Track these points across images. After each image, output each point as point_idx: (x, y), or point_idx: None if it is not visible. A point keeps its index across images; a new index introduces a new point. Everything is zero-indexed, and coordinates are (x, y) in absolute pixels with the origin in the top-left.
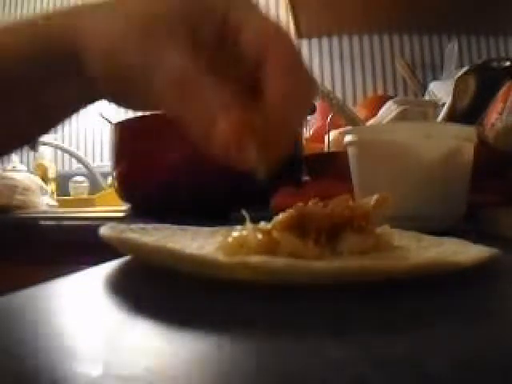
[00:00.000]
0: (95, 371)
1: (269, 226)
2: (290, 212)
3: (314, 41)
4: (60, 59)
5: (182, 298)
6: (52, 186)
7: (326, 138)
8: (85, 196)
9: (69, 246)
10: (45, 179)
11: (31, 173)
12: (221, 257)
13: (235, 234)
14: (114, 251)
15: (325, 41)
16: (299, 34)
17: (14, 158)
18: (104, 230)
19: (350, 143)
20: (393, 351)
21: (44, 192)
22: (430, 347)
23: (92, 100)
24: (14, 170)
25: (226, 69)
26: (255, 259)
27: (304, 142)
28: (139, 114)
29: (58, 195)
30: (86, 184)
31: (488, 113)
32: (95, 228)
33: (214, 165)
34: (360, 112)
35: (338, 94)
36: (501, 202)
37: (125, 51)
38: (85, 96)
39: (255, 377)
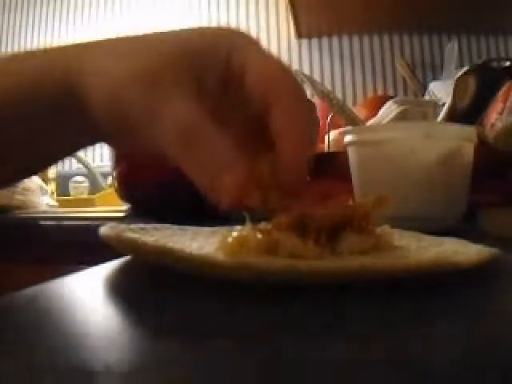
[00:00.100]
0: (96, 370)
1: (269, 225)
2: (290, 212)
3: (314, 41)
4: (60, 101)
5: (181, 298)
6: (52, 186)
7: (326, 137)
8: (85, 196)
9: (69, 246)
10: (45, 179)
11: None
12: (221, 257)
13: (235, 233)
14: (114, 251)
15: (325, 41)
16: (299, 34)
17: None
18: (104, 230)
19: (350, 143)
20: (393, 351)
21: (44, 192)
22: (430, 347)
23: (92, 142)
24: None
25: (232, 111)
26: (255, 259)
27: None
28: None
29: (58, 195)
30: (86, 184)
31: (488, 113)
32: (95, 228)
33: None
34: (360, 112)
35: (338, 94)
36: (501, 202)
37: (129, 97)
38: (85, 137)
39: (255, 377)
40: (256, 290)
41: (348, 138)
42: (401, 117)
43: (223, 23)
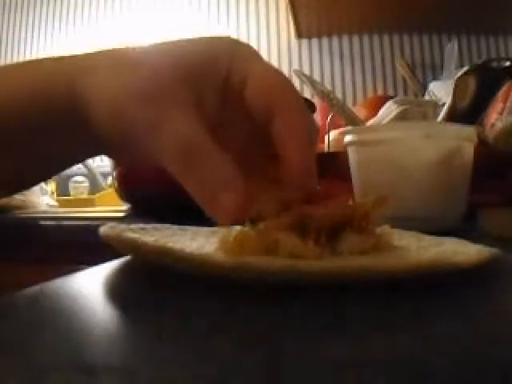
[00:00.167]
0: (95, 368)
1: (269, 226)
2: (290, 212)
3: (314, 41)
4: (63, 115)
5: (181, 298)
6: (52, 186)
7: (326, 137)
8: (85, 196)
9: (69, 246)
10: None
11: None
12: (221, 257)
13: (235, 233)
14: (114, 251)
15: (325, 41)
16: (299, 34)
17: None
18: (104, 230)
19: (350, 143)
20: (393, 351)
21: (44, 192)
22: (430, 347)
23: (93, 154)
24: None
25: (231, 124)
26: (255, 259)
27: None
28: None
29: (58, 195)
30: (86, 184)
31: (488, 113)
32: (95, 228)
33: None
34: (360, 112)
35: (338, 94)
36: (501, 202)
37: (129, 112)
38: (86, 150)
39: (255, 377)
40: (256, 290)
41: (348, 138)
42: (401, 117)
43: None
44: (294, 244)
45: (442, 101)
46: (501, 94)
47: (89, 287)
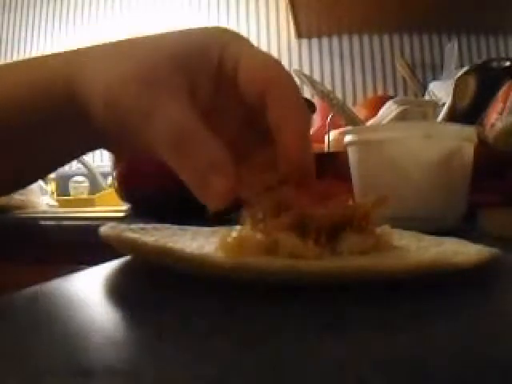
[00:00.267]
0: (95, 369)
1: (269, 225)
2: (289, 212)
3: (314, 41)
4: (62, 110)
5: (181, 298)
6: (52, 186)
7: (326, 137)
8: (85, 196)
9: (69, 246)
10: (45, 179)
11: None
12: (221, 257)
13: (235, 233)
14: (114, 251)
15: (325, 41)
16: (299, 34)
17: None
18: (104, 230)
19: (350, 143)
20: (393, 351)
21: (44, 192)
22: (429, 347)
23: (93, 148)
24: None
25: (225, 111)
26: (255, 259)
27: None
28: None
29: (58, 195)
30: (86, 184)
31: (488, 113)
32: (95, 228)
33: None
34: (360, 112)
35: (338, 94)
36: (501, 202)
37: (124, 100)
38: (86, 144)
39: (255, 377)
40: (256, 290)
41: (348, 138)
42: (401, 117)
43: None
44: (294, 244)
45: (442, 101)
46: (501, 94)
47: (89, 287)
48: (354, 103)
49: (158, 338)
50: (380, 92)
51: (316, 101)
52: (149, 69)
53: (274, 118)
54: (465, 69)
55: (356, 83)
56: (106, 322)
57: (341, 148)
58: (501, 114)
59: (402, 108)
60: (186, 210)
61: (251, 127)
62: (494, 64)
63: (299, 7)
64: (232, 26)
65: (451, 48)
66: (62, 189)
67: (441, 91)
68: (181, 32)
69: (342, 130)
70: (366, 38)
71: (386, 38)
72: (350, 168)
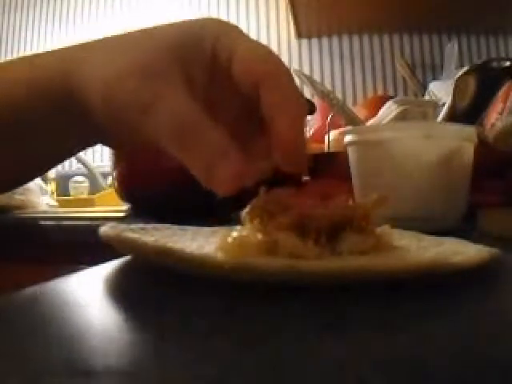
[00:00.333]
0: (95, 369)
1: (269, 226)
2: (289, 212)
3: (314, 41)
4: (61, 106)
5: (181, 298)
6: (52, 186)
7: (326, 137)
8: (85, 196)
9: (69, 246)
10: (45, 179)
11: None
12: (221, 257)
13: (235, 234)
14: (114, 251)
15: (325, 41)
16: (299, 34)
17: None
18: (104, 230)
19: (350, 143)
20: (393, 351)
21: (44, 192)
22: (429, 347)
23: (92, 143)
24: None
25: (221, 101)
26: (255, 259)
27: None
28: None
29: (58, 195)
30: (86, 184)
31: (488, 113)
32: (95, 228)
33: None
34: (360, 112)
35: (338, 94)
36: (501, 202)
37: (122, 94)
38: (85, 139)
39: (255, 377)
40: (256, 290)
41: (348, 138)
42: (401, 117)
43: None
44: (293, 244)
45: (442, 101)
46: (501, 94)
47: (89, 287)
48: (354, 103)
49: (158, 337)
50: (380, 92)
51: (316, 101)
52: (145, 62)
53: (267, 107)
54: (465, 69)
55: (356, 83)
56: (106, 322)
57: (341, 148)
58: (501, 114)
59: (402, 108)
60: (186, 210)
61: (247, 117)
62: (494, 64)
63: (299, 7)
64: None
65: (451, 48)
66: (62, 189)
67: (441, 91)
68: (175, 24)
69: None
70: (365, 38)
71: (386, 37)
72: (349, 168)
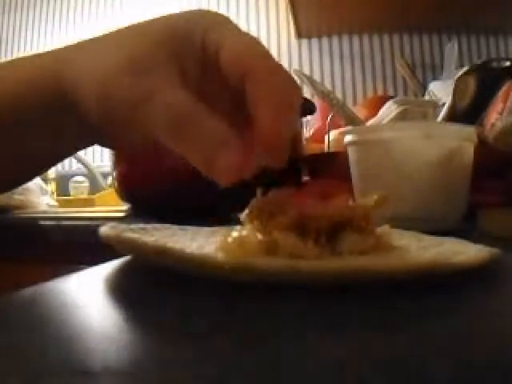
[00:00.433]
0: (95, 369)
1: (268, 226)
2: (289, 212)
3: (314, 41)
4: (54, 106)
5: (181, 298)
6: (52, 186)
7: (326, 137)
8: (85, 196)
9: (69, 246)
10: (45, 179)
11: None
12: (221, 257)
13: (235, 234)
14: (114, 251)
15: (325, 41)
16: (299, 34)
17: None
18: (104, 230)
19: (350, 143)
20: (393, 351)
21: (44, 192)
22: (430, 347)
23: (88, 144)
24: None
25: (214, 91)
26: (255, 259)
27: (304, 142)
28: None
29: (58, 195)
30: (86, 184)
31: (488, 113)
32: (95, 228)
33: None
34: (360, 112)
35: (338, 94)
36: (501, 202)
37: (116, 90)
38: (81, 139)
39: (255, 377)
40: (256, 290)
41: (348, 138)
42: (401, 117)
43: None
44: (293, 244)
45: (442, 101)
46: (501, 94)
47: (89, 287)
48: (354, 103)
49: (158, 338)
50: (380, 92)
51: (316, 101)
52: (137, 57)
53: (251, 101)
54: (465, 69)
55: (356, 83)
56: (106, 322)
57: (341, 148)
58: (501, 114)
59: (402, 108)
60: (186, 210)
61: (239, 109)
62: (494, 64)
63: (299, 7)
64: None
65: (451, 48)
66: (62, 189)
67: (441, 91)
68: (164, 18)
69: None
70: (365, 38)
71: (386, 37)
72: (350, 168)
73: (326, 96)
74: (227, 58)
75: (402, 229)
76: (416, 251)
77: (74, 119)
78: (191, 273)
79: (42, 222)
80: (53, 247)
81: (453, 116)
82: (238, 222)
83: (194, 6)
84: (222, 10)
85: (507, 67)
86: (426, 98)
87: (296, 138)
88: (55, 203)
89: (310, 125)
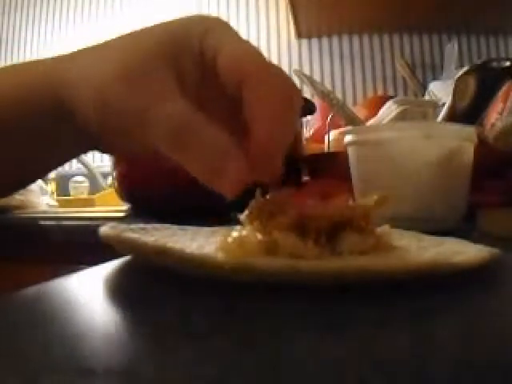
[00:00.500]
0: (95, 369)
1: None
2: (289, 212)
3: (314, 41)
4: (51, 116)
5: (181, 298)
6: (52, 186)
7: (326, 137)
8: (85, 196)
9: (69, 246)
10: (45, 179)
11: None
12: (221, 257)
13: (235, 234)
14: (114, 251)
15: (325, 41)
16: (299, 34)
17: None
18: (104, 230)
19: (350, 143)
20: (393, 351)
21: (44, 192)
22: (430, 347)
23: (86, 150)
24: None
25: (212, 96)
26: (255, 259)
27: (304, 142)
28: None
29: (58, 195)
30: (86, 184)
31: (488, 113)
32: (95, 228)
33: None
34: (360, 112)
35: (338, 94)
36: (501, 202)
37: (115, 100)
38: (79, 146)
39: (255, 377)
40: (256, 290)
41: (348, 138)
42: (401, 117)
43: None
44: (293, 244)
45: (442, 101)
46: (501, 94)
47: (89, 287)
48: (354, 103)
49: (158, 337)
50: (380, 92)
51: (316, 101)
52: (134, 65)
53: (247, 111)
54: (465, 69)
55: (356, 83)
56: (106, 322)
57: (341, 148)
58: (501, 114)
59: (401, 108)
60: (186, 210)
61: (235, 115)
62: (494, 64)
63: (299, 7)
64: (232, 25)
65: (451, 48)
66: (62, 189)
67: (441, 91)
68: (161, 24)
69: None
70: (365, 38)
71: (386, 37)
72: (350, 168)
73: (326, 96)
74: (224, 64)
75: (402, 229)
76: (416, 251)
77: (71, 127)
78: (191, 273)
79: (42, 222)
80: (53, 247)
81: (453, 116)
82: (238, 222)
83: (194, 6)
84: (222, 10)
85: (507, 67)
86: (426, 97)
87: (296, 137)
88: (55, 203)
89: (309, 125)
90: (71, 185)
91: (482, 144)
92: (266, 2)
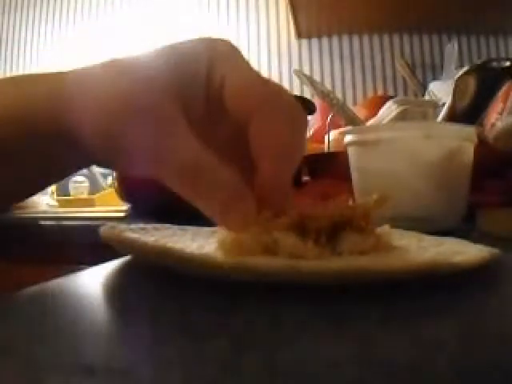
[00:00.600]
0: (95, 369)
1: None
2: (289, 212)
3: (314, 41)
4: (50, 137)
5: (181, 298)
6: (52, 186)
7: (326, 138)
8: (85, 196)
9: (69, 246)
10: None
11: None
12: (220, 257)
13: (235, 234)
14: (114, 251)
15: (325, 41)
16: (299, 34)
17: None
18: (104, 230)
19: (350, 143)
20: (393, 351)
21: (44, 192)
22: (430, 347)
23: (87, 166)
24: None
25: (218, 124)
26: (255, 259)
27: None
28: None
29: (58, 195)
30: (86, 184)
31: (488, 113)
32: (95, 228)
33: None
34: (360, 112)
35: (338, 94)
36: (501, 202)
37: (123, 135)
38: (79, 164)
39: (255, 377)
40: (256, 290)
41: (348, 138)
42: (401, 117)
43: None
44: (293, 244)
45: (442, 101)
46: (501, 94)
47: (89, 287)
48: (354, 103)
49: (158, 337)
50: (380, 92)
51: (316, 101)
52: (143, 98)
53: (254, 146)
54: (465, 69)
55: (356, 83)
56: (106, 322)
57: (341, 148)
58: (501, 114)
59: (401, 108)
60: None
61: (241, 145)
62: (494, 64)
63: (299, 7)
64: (232, 26)
65: (451, 48)
66: (62, 189)
67: (441, 91)
68: (167, 49)
69: (341, 130)
70: (365, 38)
71: (385, 37)
72: (349, 168)
73: (326, 96)
74: (230, 94)
75: (402, 229)
76: (416, 251)
77: (75, 152)
78: (191, 273)
79: (42, 222)
80: (53, 247)
81: (453, 116)
82: None
83: (193, 8)
84: (222, 10)
85: (507, 67)
86: (426, 98)
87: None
88: (55, 203)
89: (310, 125)
90: (71, 185)
91: (482, 144)
92: (266, 2)
